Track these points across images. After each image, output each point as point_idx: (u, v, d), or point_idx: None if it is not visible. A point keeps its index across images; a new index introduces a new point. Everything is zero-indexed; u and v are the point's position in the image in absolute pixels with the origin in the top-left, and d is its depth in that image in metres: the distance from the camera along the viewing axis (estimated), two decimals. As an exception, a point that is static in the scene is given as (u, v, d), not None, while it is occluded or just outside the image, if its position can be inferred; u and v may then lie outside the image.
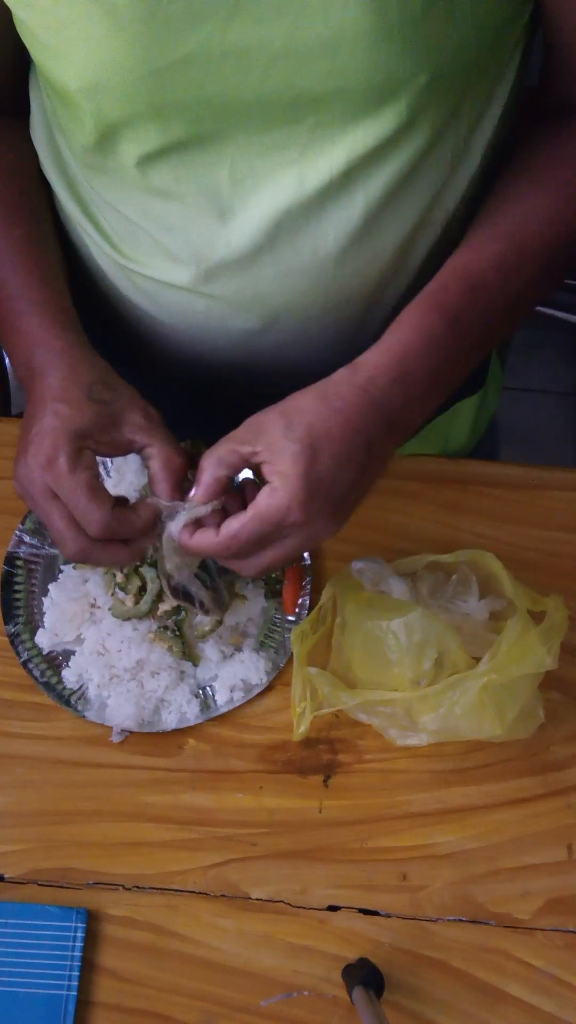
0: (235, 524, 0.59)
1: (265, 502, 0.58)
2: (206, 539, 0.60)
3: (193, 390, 0.82)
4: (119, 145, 0.62)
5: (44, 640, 0.80)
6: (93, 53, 0.56)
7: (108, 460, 0.87)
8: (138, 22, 0.55)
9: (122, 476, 0.86)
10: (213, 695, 0.79)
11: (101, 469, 0.87)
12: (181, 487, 0.63)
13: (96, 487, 0.60)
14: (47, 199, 0.77)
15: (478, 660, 0.72)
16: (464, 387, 0.93)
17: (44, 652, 0.80)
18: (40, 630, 0.80)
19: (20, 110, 0.76)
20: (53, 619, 0.80)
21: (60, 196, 0.74)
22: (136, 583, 0.78)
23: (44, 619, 0.81)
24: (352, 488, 0.59)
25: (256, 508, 0.58)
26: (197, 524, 0.62)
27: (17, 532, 0.83)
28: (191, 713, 0.77)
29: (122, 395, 0.63)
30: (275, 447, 0.58)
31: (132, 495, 0.85)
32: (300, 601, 0.82)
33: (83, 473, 0.60)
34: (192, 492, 0.62)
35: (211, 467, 0.60)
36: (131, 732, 0.77)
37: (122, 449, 0.64)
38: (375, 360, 0.60)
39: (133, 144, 0.62)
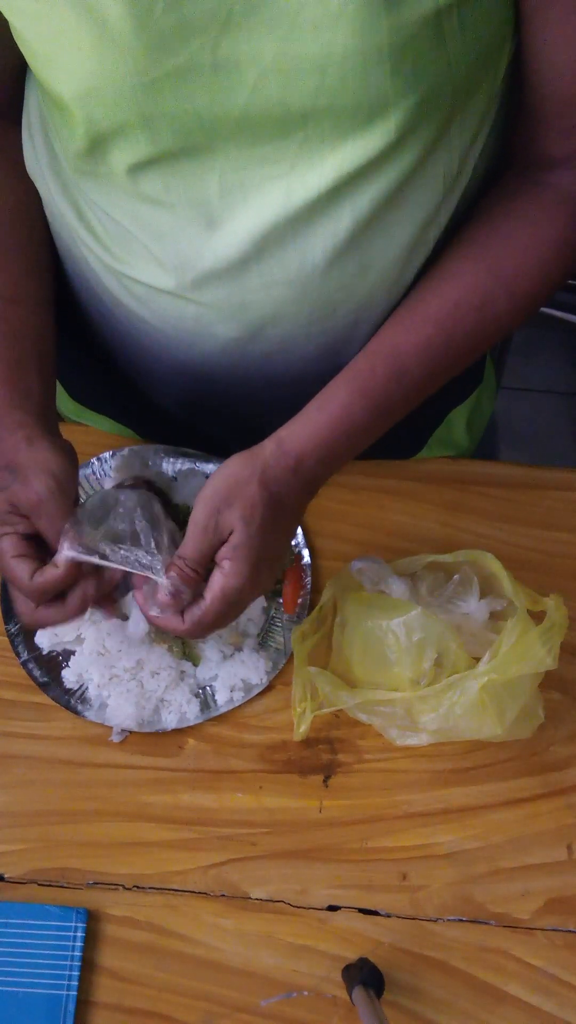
0: (198, 612, 0.66)
1: (223, 585, 0.65)
2: (172, 623, 0.67)
3: (183, 395, 0.82)
4: (110, 153, 0.62)
5: (44, 640, 0.80)
6: (84, 62, 0.57)
7: (108, 460, 0.87)
8: (129, 34, 0.55)
9: (122, 476, 0.86)
10: (213, 695, 0.79)
11: (99, 467, 0.87)
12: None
13: (15, 564, 0.66)
14: (40, 237, 0.77)
15: (478, 660, 0.72)
16: (455, 394, 0.94)
17: (44, 652, 0.80)
18: (39, 630, 0.80)
19: (19, 116, 0.76)
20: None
21: (55, 197, 0.74)
22: None
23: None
24: (284, 549, 0.69)
25: (214, 593, 0.65)
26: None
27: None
28: (191, 713, 0.77)
29: (16, 478, 0.66)
30: (234, 538, 0.65)
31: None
32: (300, 601, 0.82)
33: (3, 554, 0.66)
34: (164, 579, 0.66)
35: (192, 565, 0.66)
36: (131, 732, 0.77)
37: (23, 528, 0.68)
38: (303, 444, 0.67)
39: (123, 152, 0.62)
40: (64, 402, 0.99)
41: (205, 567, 0.66)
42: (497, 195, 0.70)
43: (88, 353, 0.87)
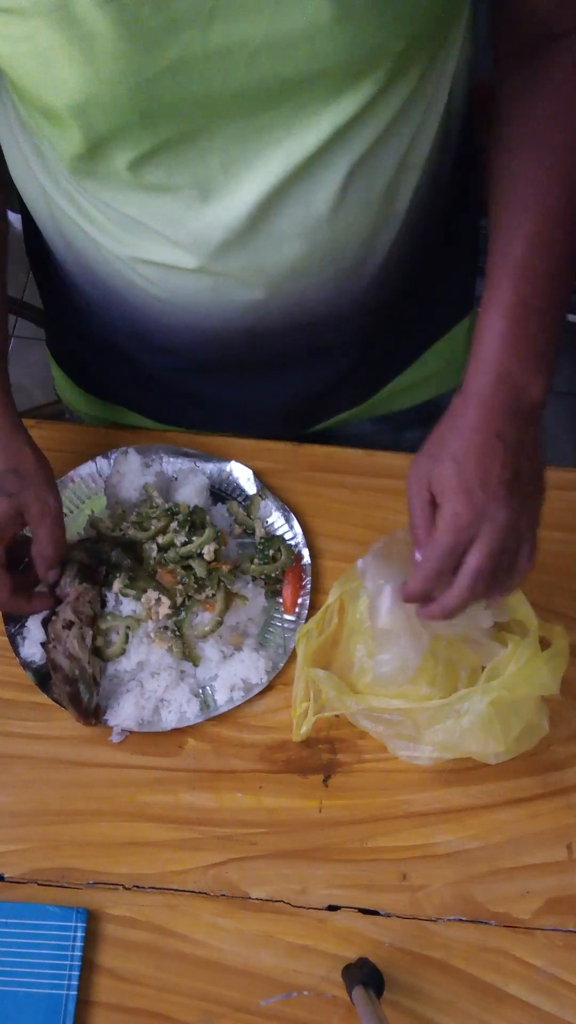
0: (427, 550, 0.65)
1: (440, 520, 0.64)
2: (407, 588, 0.67)
3: (201, 365, 0.84)
4: (110, 152, 0.63)
5: (33, 651, 0.79)
6: (78, 75, 0.57)
7: (109, 460, 0.87)
8: (119, 40, 0.55)
9: (123, 476, 0.86)
10: (213, 694, 0.78)
11: (103, 460, 0.88)
12: (52, 568, 0.77)
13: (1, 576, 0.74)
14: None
15: (482, 669, 0.72)
16: (452, 313, 0.95)
17: (37, 662, 0.79)
18: (27, 640, 0.79)
19: None
20: (36, 628, 0.80)
21: (51, 195, 0.74)
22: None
23: (27, 630, 0.80)
24: (504, 471, 0.65)
25: (437, 527, 0.65)
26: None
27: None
28: (191, 712, 0.77)
29: (29, 484, 0.73)
30: (433, 477, 0.65)
31: (133, 493, 0.85)
32: (300, 601, 0.82)
33: None
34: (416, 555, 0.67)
35: (419, 518, 0.67)
36: (131, 732, 0.77)
37: (16, 532, 0.75)
38: (474, 376, 0.66)
39: (124, 150, 0.63)
40: (72, 396, 0.99)
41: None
42: (516, 89, 0.70)
43: (100, 342, 0.87)
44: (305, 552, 0.84)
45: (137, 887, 0.72)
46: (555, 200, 0.67)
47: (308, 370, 0.85)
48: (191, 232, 0.68)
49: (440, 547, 0.64)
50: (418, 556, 0.66)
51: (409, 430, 0.87)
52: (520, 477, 0.66)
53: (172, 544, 0.80)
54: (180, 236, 0.69)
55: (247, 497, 0.87)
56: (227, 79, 0.58)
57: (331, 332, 0.80)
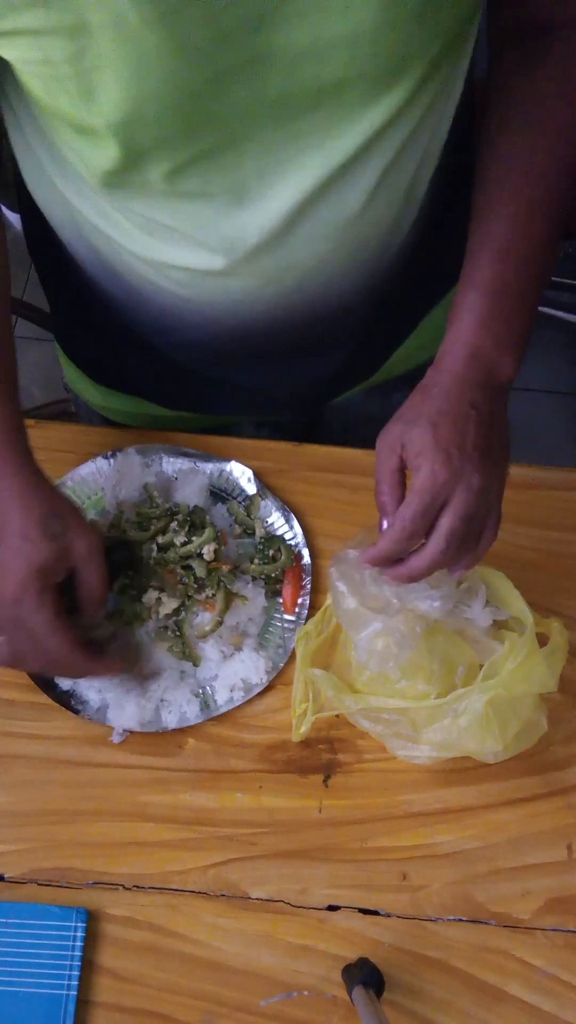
0: (400, 510, 0.65)
1: (416, 480, 0.64)
2: (374, 550, 0.66)
3: (220, 355, 0.84)
4: (147, 164, 0.63)
5: None
6: (125, 91, 0.57)
7: (109, 460, 0.87)
8: (168, 55, 0.55)
9: (122, 476, 0.86)
10: (213, 694, 0.79)
11: (103, 460, 0.88)
12: (100, 609, 0.74)
13: (57, 625, 0.69)
14: (4, 279, 0.77)
15: (480, 666, 0.72)
16: (452, 278, 0.96)
17: None
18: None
19: None
20: None
21: (71, 202, 0.73)
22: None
23: None
24: (478, 437, 0.65)
25: (412, 488, 0.64)
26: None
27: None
28: (191, 713, 0.77)
29: (69, 524, 0.70)
30: (408, 441, 0.65)
31: (133, 494, 0.85)
32: (300, 601, 0.82)
33: (47, 611, 0.68)
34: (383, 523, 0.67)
35: (385, 484, 0.67)
36: (131, 732, 0.77)
37: (67, 573, 0.71)
38: (448, 351, 0.68)
39: (162, 162, 0.63)
40: (85, 389, 0.99)
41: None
42: (510, 73, 0.71)
43: (117, 336, 0.87)
44: (305, 552, 0.84)
45: (137, 887, 0.72)
46: (541, 184, 0.68)
47: (325, 356, 0.86)
48: (223, 236, 0.69)
49: (414, 507, 0.64)
50: (385, 524, 0.66)
51: (398, 392, 0.88)
52: (491, 446, 0.66)
53: (172, 544, 0.80)
54: (212, 240, 0.69)
55: (247, 497, 0.87)
56: (267, 84, 0.58)
57: (348, 319, 0.80)
